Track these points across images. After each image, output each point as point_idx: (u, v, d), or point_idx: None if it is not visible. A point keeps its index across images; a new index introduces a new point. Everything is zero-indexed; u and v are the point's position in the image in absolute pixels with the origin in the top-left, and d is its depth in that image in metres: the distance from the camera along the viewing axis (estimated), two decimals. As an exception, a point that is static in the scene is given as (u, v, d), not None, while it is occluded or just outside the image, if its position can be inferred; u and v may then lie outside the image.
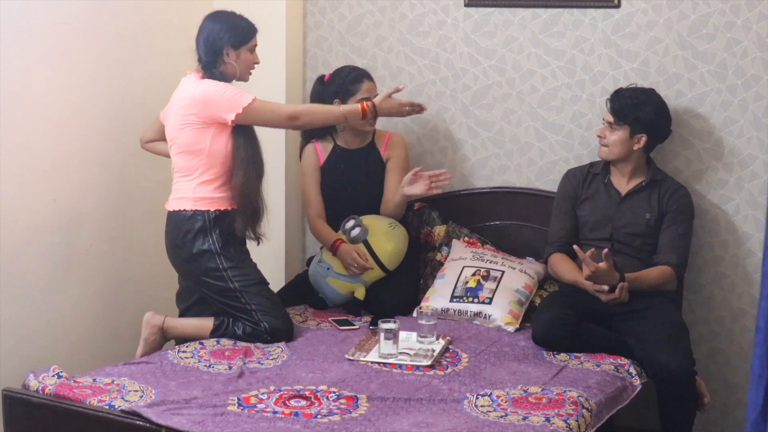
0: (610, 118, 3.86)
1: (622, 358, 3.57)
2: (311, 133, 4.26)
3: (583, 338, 3.64)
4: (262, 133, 4.23)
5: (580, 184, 4.00)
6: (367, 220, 4.08)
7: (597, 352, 3.61)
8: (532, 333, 3.70)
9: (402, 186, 4.03)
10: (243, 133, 3.68)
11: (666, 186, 3.90)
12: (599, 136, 3.91)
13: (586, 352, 3.60)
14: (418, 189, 4.00)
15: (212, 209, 3.69)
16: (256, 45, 3.77)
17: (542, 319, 3.69)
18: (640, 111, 3.82)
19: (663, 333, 3.60)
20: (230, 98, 3.61)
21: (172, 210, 3.73)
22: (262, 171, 3.75)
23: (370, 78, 4.19)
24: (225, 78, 3.69)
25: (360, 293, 4.07)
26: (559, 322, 3.63)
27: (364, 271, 4.02)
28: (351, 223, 4.06)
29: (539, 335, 3.65)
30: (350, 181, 4.20)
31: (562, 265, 3.90)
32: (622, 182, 3.94)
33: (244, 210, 3.70)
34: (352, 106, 3.88)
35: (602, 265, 3.61)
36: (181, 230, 3.68)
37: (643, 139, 3.84)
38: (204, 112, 3.63)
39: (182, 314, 3.91)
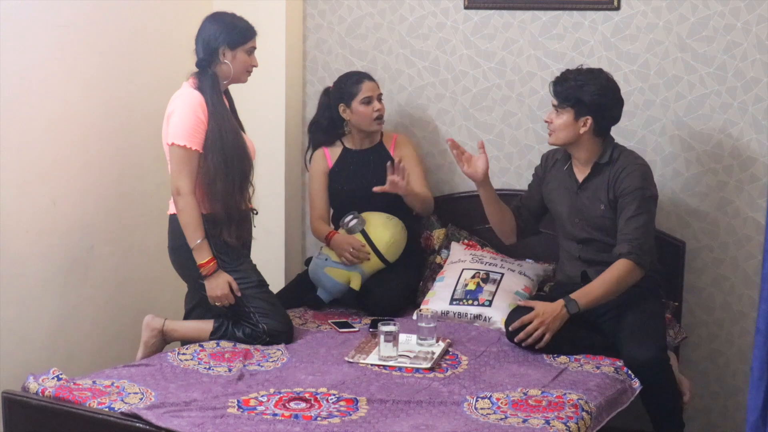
0: (555, 101, 3.70)
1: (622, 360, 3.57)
2: (320, 140, 4.31)
3: (566, 342, 3.58)
4: (261, 137, 4.23)
5: (547, 167, 3.91)
6: (366, 213, 4.12)
7: (581, 353, 3.57)
8: (507, 332, 3.66)
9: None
10: (219, 142, 3.63)
11: (616, 167, 3.66)
12: (546, 121, 3.75)
13: (570, 355, 3.57)
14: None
15: (208, 213, 3.68)
16: (254, 48, 3.76)
17: (514, 317, 3.65)
18: (582, 92, 3.63)
19: (634, 323, 3.54)
20: (177, 127, 3.60)
21: (171, 213, 3.74)
22: (239, 177, 3.70)
23: (370, 78, 4.21)
24: (219, 77, 3.69)
25: (355, 283, 4.07)
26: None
27: (359, 259, 4.03)
28: (349, 217, 4.11)
29: (512, 332, 3.61)
30: (361, 180, 4.22)
31: None
32: (581, 170, 3.77)
33: (226, 218, 3.67)
34: (202, 246, 3.63)
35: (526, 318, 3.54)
36: (180, 233, 3.67)
37: (589, 121, 3.65)
38: (164, 127, 3.68)
39: (187, 314, 3.91)
